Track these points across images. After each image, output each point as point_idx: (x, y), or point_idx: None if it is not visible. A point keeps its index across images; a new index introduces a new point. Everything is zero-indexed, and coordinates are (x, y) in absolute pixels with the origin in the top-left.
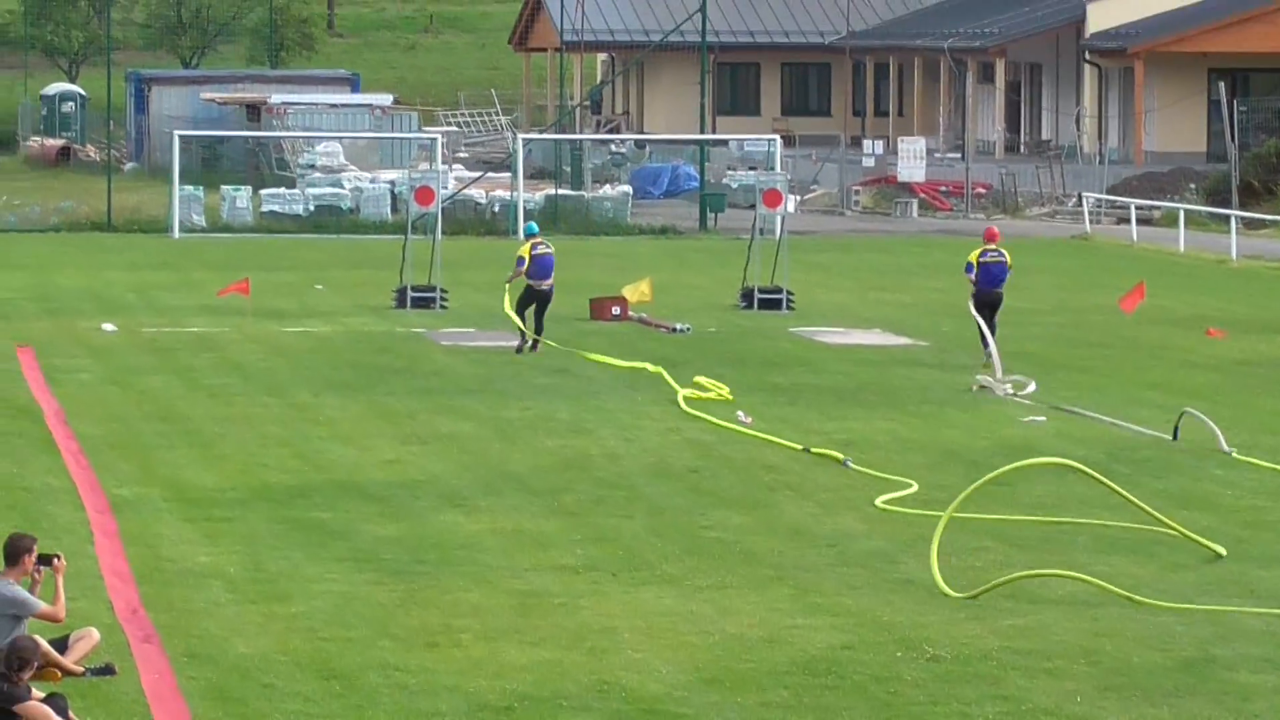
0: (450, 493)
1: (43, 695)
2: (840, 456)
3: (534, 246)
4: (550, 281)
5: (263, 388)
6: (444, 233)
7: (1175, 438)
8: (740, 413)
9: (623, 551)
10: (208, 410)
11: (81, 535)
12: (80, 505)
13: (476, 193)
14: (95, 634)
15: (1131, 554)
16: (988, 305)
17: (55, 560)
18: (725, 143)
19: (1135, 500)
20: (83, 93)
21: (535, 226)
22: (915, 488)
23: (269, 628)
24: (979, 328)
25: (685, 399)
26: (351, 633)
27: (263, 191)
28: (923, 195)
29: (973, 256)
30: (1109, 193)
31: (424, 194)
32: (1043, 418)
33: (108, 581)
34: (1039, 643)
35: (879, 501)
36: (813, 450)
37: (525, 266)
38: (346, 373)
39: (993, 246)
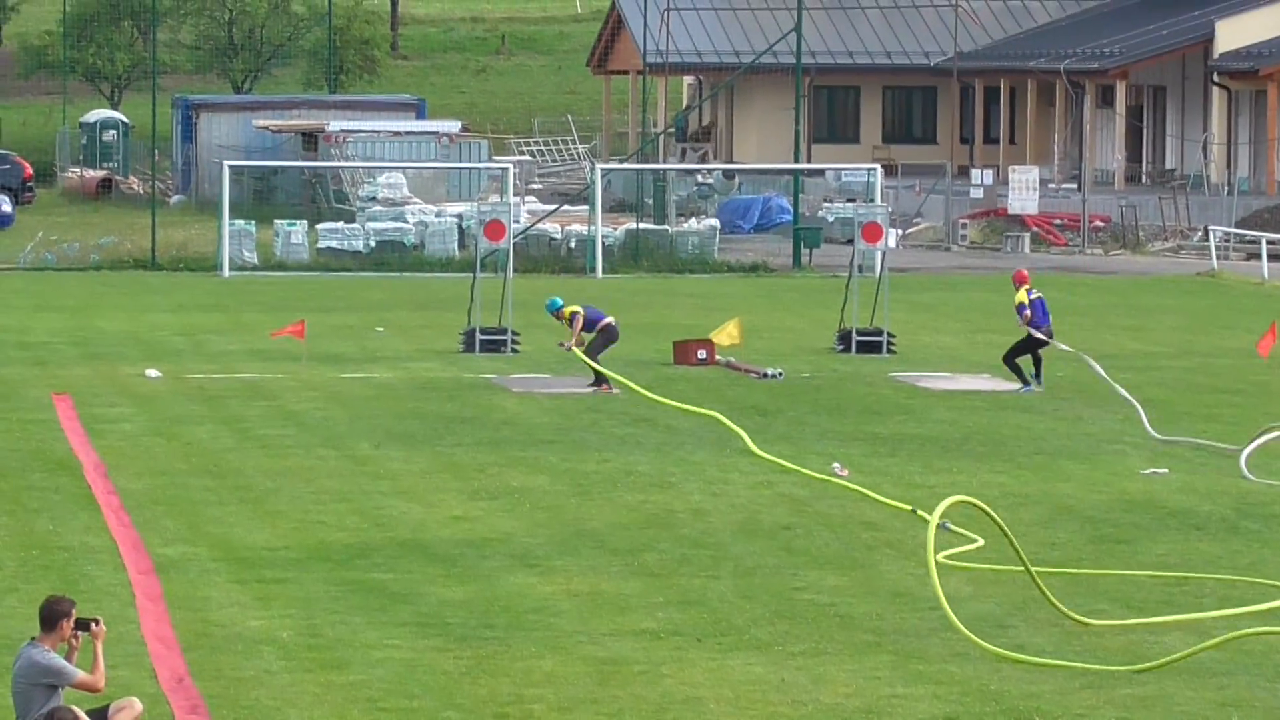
0: (522, 552)
1: None
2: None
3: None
4: (610, 319)
5: (319, 439)
6: (516, 270)
7: None
8: (836, 465)
9: (709, 615)
10: (260, 463)
11: (123, 598)
12: (121, 566)
13: (551, 227)
14: (138, 704)
15: (1261, 615)
16: (1040, 342)
17: (94, 625)
18: (822, 172)
19: (1014, 541)
20: (125, 120)
21: (559, 301)
22: (981, 542)
23: (325, 698)
24: (1013, 355)
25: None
26: (414, 703)
27: (319, 226)
28: (1036, 229)
29: (1022, 297)
30: (1238, 226)
31: (494, 228)
32: (1165, 470)
33: (151, 648)
34: (1160, 715)
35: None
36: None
37: (581, 321)
38: (410, 423)
39: (1030, 286)
